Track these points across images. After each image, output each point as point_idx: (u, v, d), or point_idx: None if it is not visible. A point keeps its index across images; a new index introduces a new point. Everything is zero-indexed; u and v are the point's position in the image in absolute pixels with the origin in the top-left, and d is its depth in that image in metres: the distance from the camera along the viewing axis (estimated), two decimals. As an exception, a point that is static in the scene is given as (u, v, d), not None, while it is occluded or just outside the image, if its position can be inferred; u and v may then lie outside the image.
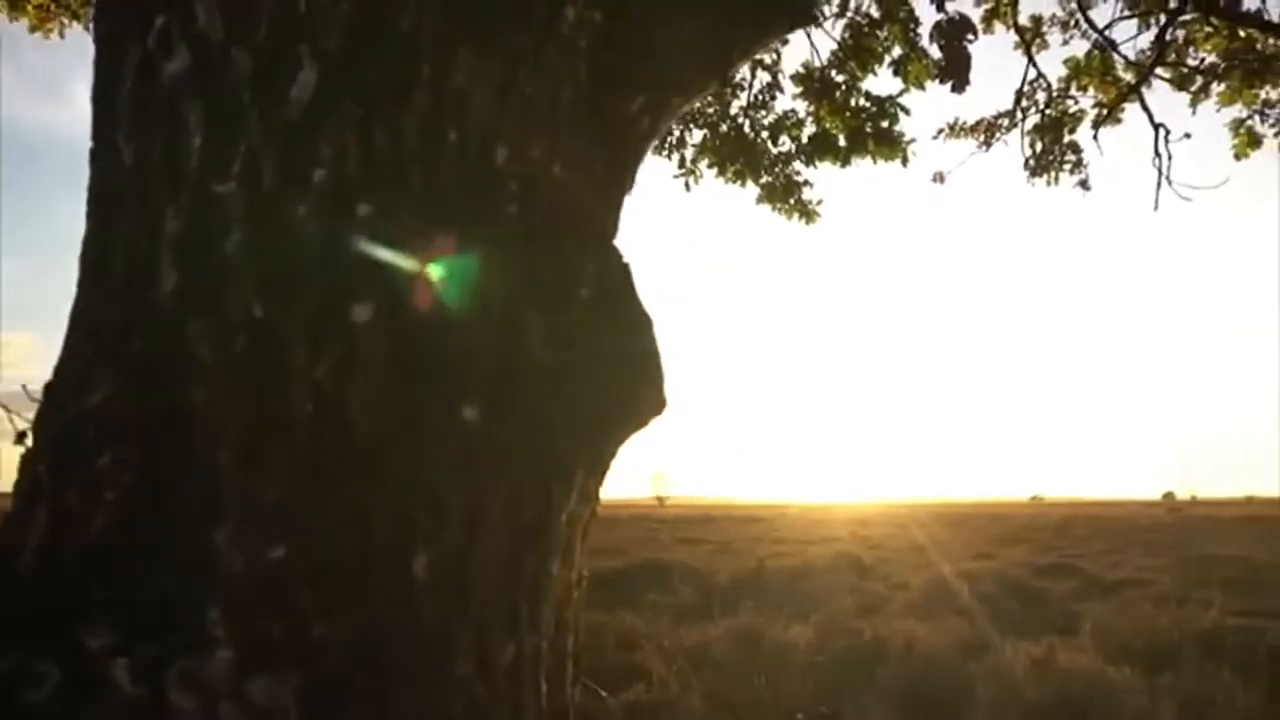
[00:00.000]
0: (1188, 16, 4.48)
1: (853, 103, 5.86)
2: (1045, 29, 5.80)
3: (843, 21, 5.77)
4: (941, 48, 4.08)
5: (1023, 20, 5.68)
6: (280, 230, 1.06)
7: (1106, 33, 4.93)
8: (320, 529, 1.02)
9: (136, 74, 1.14)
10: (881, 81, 5.84)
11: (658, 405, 1.29)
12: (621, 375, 1.24)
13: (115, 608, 0.99)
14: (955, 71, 3.92)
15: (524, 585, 1.12)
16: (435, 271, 1.10)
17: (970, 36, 3.89)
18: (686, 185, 6.54)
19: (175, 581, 1.00)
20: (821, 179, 5.83)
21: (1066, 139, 5.39)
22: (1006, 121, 5.36)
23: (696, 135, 6.39)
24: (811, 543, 22.46)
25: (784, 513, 58.01)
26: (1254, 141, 4.51)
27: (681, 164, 6.48)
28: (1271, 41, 4.28)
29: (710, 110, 6.31)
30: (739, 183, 6.39)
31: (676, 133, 6.34)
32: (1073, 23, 5.60)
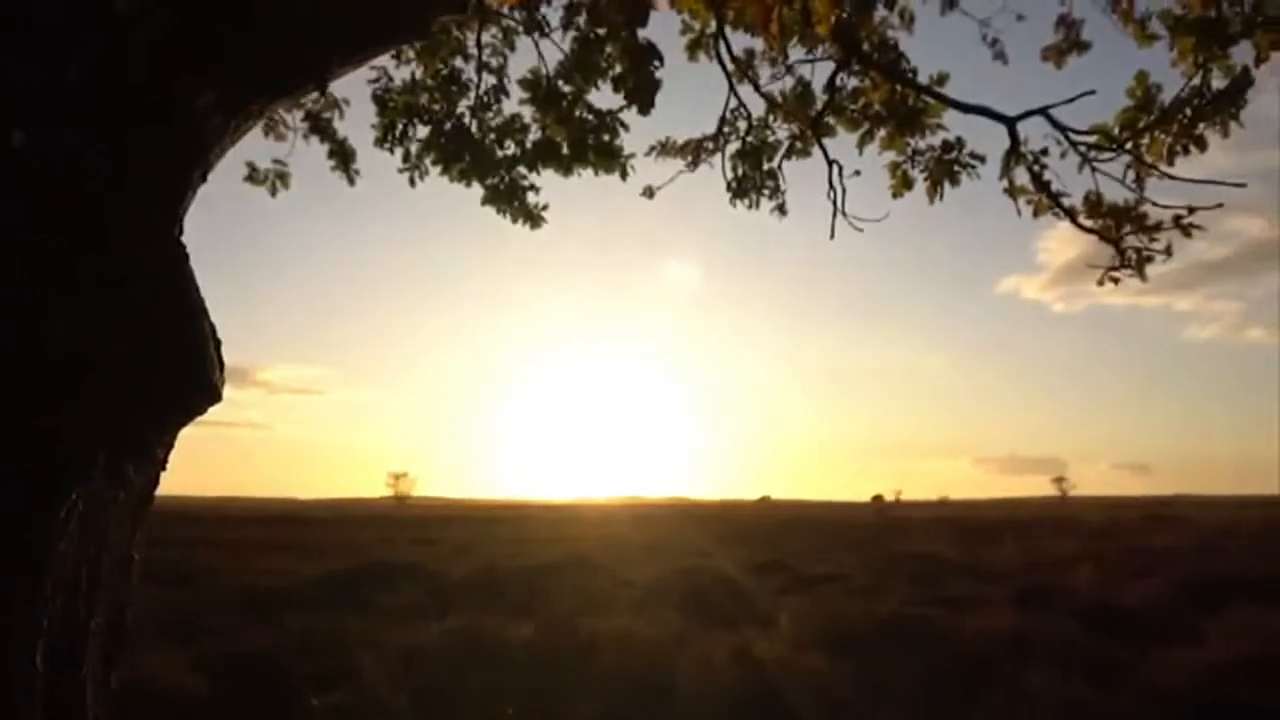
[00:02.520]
0: (856, 68, 5.01)
1: (576, 114, 6.04)
2: (757, 62, 6.25)
3: (571, 33, 5.92)
4: (629, 71, 4.30)
5: (738, 52, 6.09)
6: None
7: (802, 74, 5.40)
8: None
9: None
10: (605, 96, 6.04)
11: (208, 394, 1.30)
12: (166, 363, 1.24)
13: None
14: (640, 94, 4.16)
15: (21, 564, 1.10)
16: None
17: (656, 63, 4.15)
18: (411, 181, 6.44)
19: None
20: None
21: (766, 166, 5.83)
22: (711, 145, 5.71)
23: (422, 131, 6.32)
24: (550, 542, 22.78)
25: (529, 512, 58.32)
26: (907, 184, 5.12)
27: (406, 158, 6.38)
28: (921, 98, 4.89)
29: (435, 107, 6.26)
30: (464, 183, 6.38)
31: (400, 126, 6.25)
32: (779, 60, 6.07)
